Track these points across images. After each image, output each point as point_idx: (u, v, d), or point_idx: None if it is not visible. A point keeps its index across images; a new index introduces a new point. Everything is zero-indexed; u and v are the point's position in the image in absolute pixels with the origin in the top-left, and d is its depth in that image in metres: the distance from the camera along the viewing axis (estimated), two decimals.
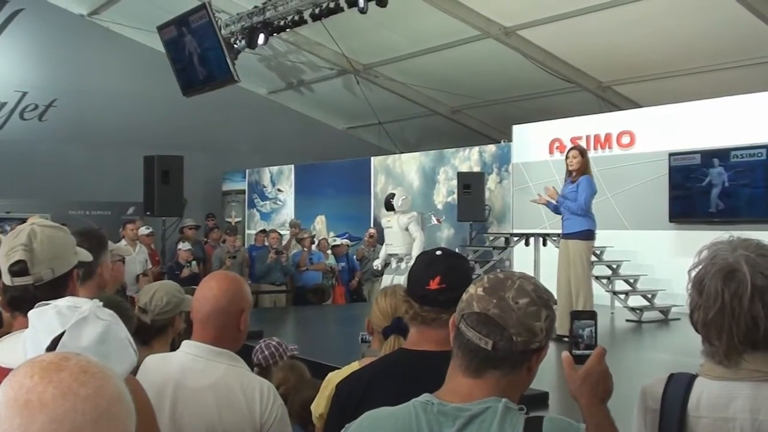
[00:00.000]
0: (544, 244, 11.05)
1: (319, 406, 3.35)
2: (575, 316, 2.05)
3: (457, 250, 12.37)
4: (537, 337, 1.78)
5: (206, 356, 2.58)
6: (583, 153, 8.98)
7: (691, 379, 1.98)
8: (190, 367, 2.56)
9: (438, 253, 2.42)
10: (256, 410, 2.52)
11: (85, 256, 2.46)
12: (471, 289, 1.83)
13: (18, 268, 2.19)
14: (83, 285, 3.38)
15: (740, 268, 1.90)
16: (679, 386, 1.97)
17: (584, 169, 8.79)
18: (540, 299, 1.81)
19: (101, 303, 1.77)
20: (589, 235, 8.75)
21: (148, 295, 3.59)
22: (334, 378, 3.29)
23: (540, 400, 4.90)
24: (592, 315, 2.06)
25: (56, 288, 2.25)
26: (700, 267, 1.97)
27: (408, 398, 1.84)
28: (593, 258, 10.77)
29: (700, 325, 1.95)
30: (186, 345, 2.66)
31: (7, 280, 2.20)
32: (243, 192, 20.47)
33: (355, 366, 3.25)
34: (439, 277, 2.31)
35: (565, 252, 8.78)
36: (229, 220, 19.68)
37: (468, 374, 1.79)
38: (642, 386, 2.06)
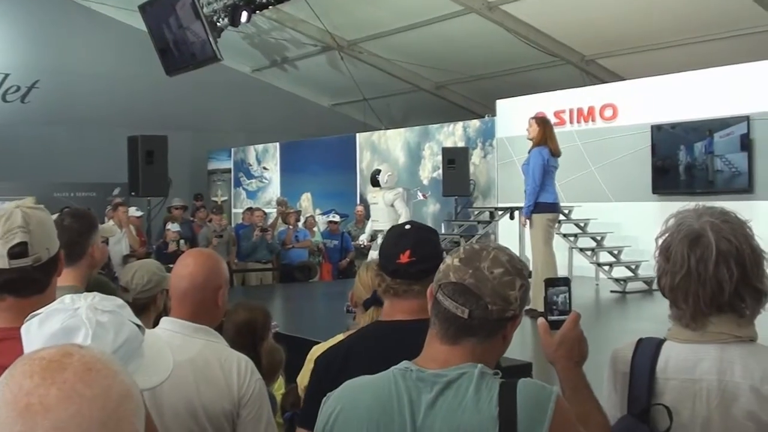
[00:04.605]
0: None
1: (304, 379, 3.37)
2: (550, 283, 2.11)
3: (443, 225, 12.29)
4: (511, 305, 1.83)
5: (183, 332, 2.59)
6: (540, 122, 8.55)
7: (659, 342, 2.02)
8: (167, 342, 2.56)
9: (407, 227, 2.49)
10: (234, 384, 2.54)
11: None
12: (448, 259, 1.88)
13: (19, 250, 2.19)
14: (75, 266, 3.41)
15: (705, 234, 1.94)
16: (647, 350, 2.02)
17: (540, 139, 8.37)
18: (514, 269, 1.85)
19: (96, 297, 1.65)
20: (546, 207, 8.43)
21: (129, 274, 3.61)
22: (317, 351, 3.32)
23: (524, 370, 4.94)
24: (566, 282, 2.13)
25: (51, 268, 2.27)
26: (666, 234, 2.01)
27: (383, 367, 1.88)
28: (574, 232, 10.86)
29: (668, 289, 1.99)
30: (164, 321, 2.67)
31: (2, 263, 2.19)
32: (229, 171, 20.44)
33: (339, 338, 3.29)
34: (409, 250, 2.38)
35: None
36: (215, 199, 19.65)
37: (445, 341, 1.84)
38: (612, 351, 2.10)
